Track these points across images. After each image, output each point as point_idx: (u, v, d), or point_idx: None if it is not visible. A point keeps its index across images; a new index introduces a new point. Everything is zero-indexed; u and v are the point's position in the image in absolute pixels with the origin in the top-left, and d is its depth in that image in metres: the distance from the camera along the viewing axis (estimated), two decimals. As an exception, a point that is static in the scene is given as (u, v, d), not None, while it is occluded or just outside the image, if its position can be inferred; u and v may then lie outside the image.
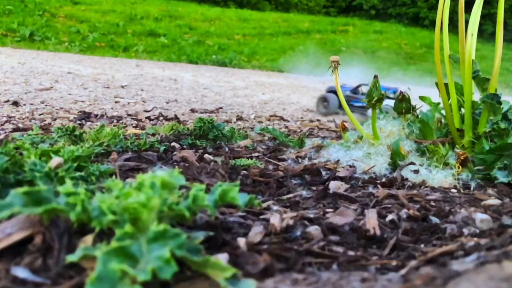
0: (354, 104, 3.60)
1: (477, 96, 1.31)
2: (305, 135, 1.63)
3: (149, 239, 0.49)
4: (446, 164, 1.18)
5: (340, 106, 3.62)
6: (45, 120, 2.00)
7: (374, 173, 1.19)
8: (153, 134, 1.63)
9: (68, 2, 12.97)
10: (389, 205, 0.87)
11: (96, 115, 2.29)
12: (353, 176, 1.14)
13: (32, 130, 1.51)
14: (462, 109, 1.35)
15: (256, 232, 0.67)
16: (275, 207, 0.83)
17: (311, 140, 1.58)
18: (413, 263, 0.59)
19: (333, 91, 3.77)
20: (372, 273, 0.56)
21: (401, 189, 1.02)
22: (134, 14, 13.11)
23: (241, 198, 0.62)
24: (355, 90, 3.71)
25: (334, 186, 1.01)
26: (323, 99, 3.77)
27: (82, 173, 0.76)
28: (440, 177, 1.12)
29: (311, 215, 0.78)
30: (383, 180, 1.11)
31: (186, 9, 15.10)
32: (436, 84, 1.34)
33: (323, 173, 1.14)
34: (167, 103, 3.25)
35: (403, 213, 0.82)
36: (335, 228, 0.72)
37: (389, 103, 3.24)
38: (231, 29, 13.85)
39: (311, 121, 2.89)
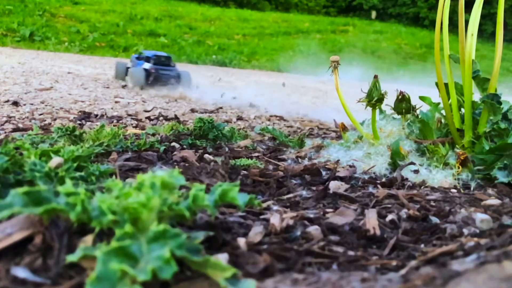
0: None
1: (477, 96, 1.31)
2: (305, 135, 1.63)
3: (149, 239, 0.49)
4: (446, 164, 1.18)
5: (144, 80, 4.07)
6: (45, 120, 1.99)
7: (374, 173, 1.19)
8: (153, 134, 1.63)
9: (68, 2, 12.98)
10: (389, 205, 0.87)
11: (96, 115, 2.28)
12: (353, 176, 1.14)
13: (32, 130, 1.51)
14: (462, 109, 1.35)
15: (256, 232, 0.67)
16: (275, 207, 0.83)
17: (311, 140, 1.58)
18: (413, 263, 0.59)
19: (137, 57, 4.48)
20: (372, 273, 0.56)
21: (401, 189, 1.02)
22: (134, 14, 13.11)
23: (241, 198, 0.62)
24: (139, 58, 4.36)
25: (334, 186, 1.01)
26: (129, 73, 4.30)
27: (82, 173, 0.76)
28: (440, 177, 1.12)
29: (311, 215, 0.78)
30: (383, 180, 1.11)
31: (186, 9, 15.10)
32: (436, 84, 1.34)
33: (323, 173, 1.14)
34: (167, 103, 3.25)
35: (403, 213, 0.82)
36: (335, 228, 0.72)
37: (145, 66, 3.93)
38: (231, 29, 13.85)
39: (311, 121, 2.88)
